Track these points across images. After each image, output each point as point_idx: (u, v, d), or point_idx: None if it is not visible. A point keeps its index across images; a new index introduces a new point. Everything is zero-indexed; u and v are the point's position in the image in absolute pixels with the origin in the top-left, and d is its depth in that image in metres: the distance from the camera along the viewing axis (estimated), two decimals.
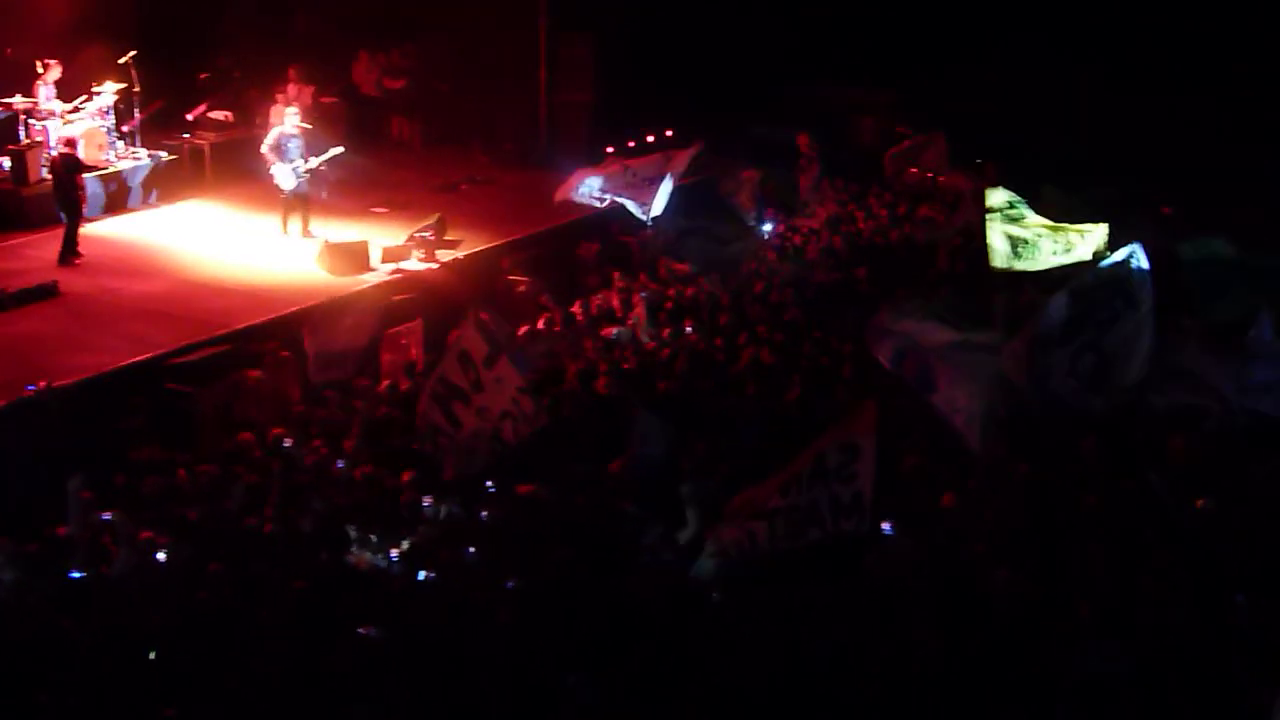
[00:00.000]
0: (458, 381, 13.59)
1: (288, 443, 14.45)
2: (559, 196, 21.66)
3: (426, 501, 12.82)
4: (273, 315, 18.41)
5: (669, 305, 18.87)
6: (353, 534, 11.98)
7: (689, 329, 17.88)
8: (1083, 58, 28.64)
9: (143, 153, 23.59)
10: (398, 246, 20.85)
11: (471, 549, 11.96)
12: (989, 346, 13.76)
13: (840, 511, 11.53)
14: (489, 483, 13.09)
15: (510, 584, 11.26)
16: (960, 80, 28.55)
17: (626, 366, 16.47)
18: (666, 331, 17.84)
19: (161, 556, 11.80)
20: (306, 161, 21.59)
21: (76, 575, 11.49)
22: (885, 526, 11.92)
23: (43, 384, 15.39)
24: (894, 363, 14.06)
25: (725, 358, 16.65)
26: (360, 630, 10.38)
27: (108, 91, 22.94)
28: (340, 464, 13.76)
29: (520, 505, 12.63)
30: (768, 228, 22.88)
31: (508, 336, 15.75)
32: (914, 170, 25.92)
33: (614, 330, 18.17)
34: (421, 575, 11.45)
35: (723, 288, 19.37)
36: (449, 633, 10.51)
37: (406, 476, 13.24)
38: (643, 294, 19.19)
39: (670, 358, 16.76)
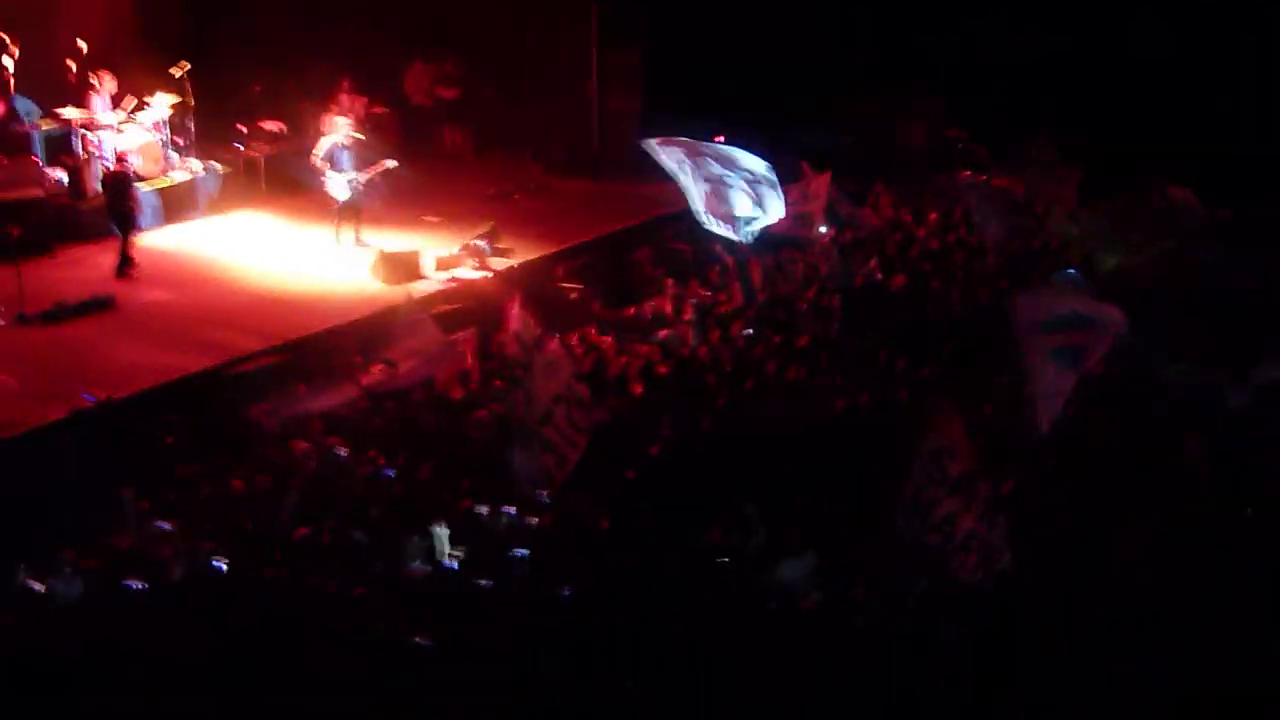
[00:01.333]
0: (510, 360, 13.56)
1: (342, 452, 14.51)
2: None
3: (483, 509, 12.85)
4: (328, 325, 18.47)
5: (720, 310, 18.86)
6: (408, 543, 12.01)
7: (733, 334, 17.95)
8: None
9: (197, 164, 23.70)
10: (451, 255, 20.90)
11: (526, 557, 12.00)
12: None
13: None
14: (544, 492, 13.08)
15: (565, 593, 11.28)
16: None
17: (663, 370, 16.52)
18: (716, 335, 17.88)
19: (219, 566, 11.87)
20: (359, 172, 21.67)
21: (134, 586, 11.52)
22: None
23: (101, 395, 15.49)
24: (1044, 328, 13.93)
25: (773, 363, 16.70)
26: (417, 640, 10.39)
27: (162, 104, 23.07)
28: (391, 473, 13.77)
29: (574, 514, 12.64)
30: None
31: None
32: (966, 173, 25.80)
33: (664, 333, 18.20)
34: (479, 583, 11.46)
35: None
36: (505, 642, 10.53)
37: (465, 484, 13.27)
38: (693, 300, 19.18)
39: (713, 362, 16.84)
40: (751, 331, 18.00)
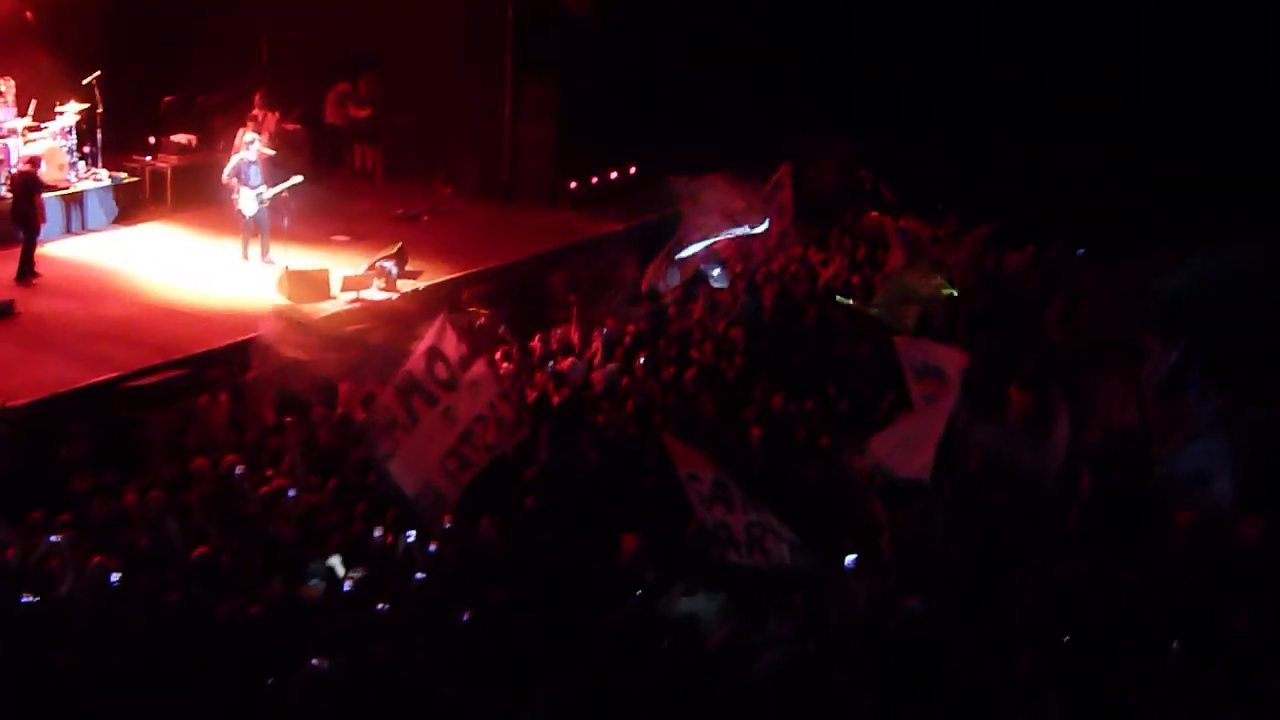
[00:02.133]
0: (422, 379, 13.47)
1: (239, 470, 14.40)
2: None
3: (377, 532, 12.80)
4: (230, 340, 18.32)
5: (627, 341, 18.91)
6: (305, 565, 11.94)
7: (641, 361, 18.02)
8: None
9: (104, 174, 23.47)
10: (358, 275, 20.81)
11: (422, 581, 11.97)
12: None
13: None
14: (441, 516, 13.05)
15: (463, 618, 11.26)
16: (921, 126, 28.71)
17: (556, 400, 16.56)
18: (609, 366, 17.96)
19: (111, 582, 11.73)
20: (268, 188, 21.56)
21: (25, 600, 11.36)
22: (848, 561, 12.04)
23: None
24: (916, 374, 14.17)
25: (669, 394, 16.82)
26: (312, 661, 10.32)
27: (70, 111, 22.84)
28: (292, 493, 13.68)
29: (473, 540, 12.62)
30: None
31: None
32: (874, 214, 26.04)
33: (568, 363, 18.23)
34: (376, 607, 11.41)
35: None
36: (399, 665, 10.48)
37: (360, 508, 13.20)
38: (603, 329, 19.23)
39: (606, 392, 16.92)
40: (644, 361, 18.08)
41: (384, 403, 13.65)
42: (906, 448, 13.57)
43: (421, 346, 13.59)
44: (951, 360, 13.97)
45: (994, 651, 10.90)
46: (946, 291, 19.25)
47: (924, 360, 14.15)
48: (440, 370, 13.32)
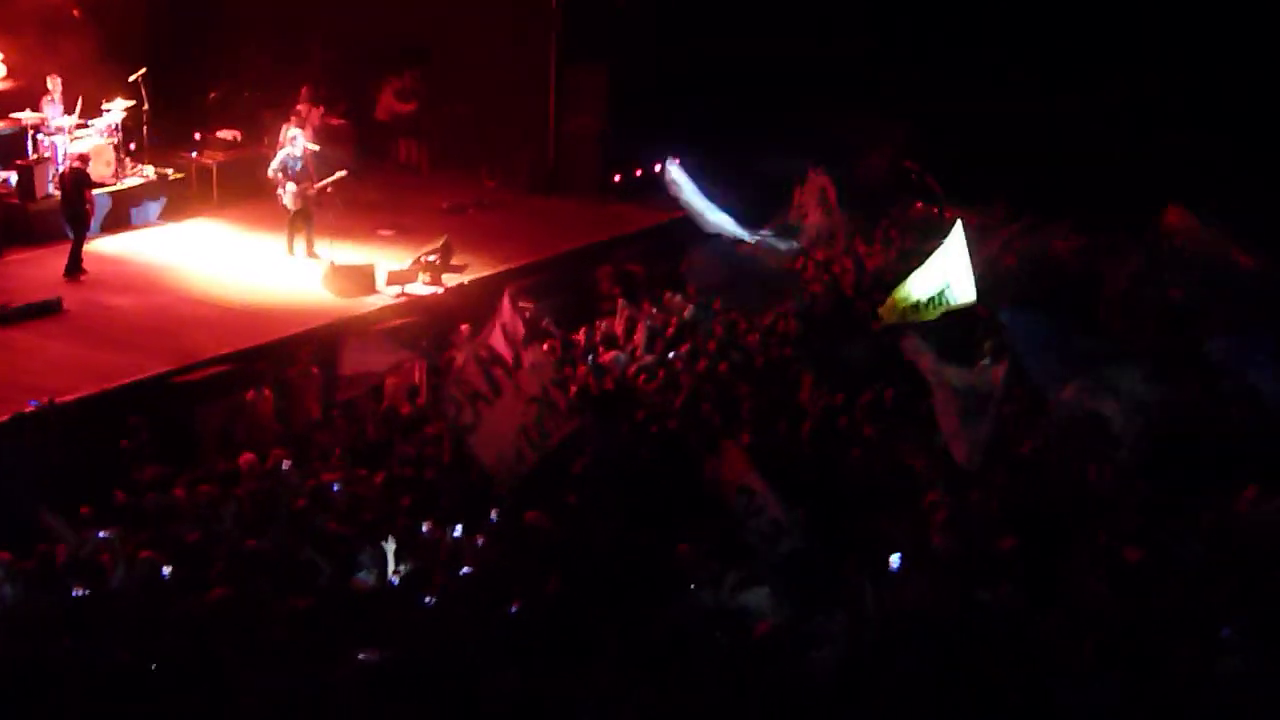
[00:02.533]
0: (502, 351, 13.50)
1: (286, 464, 14.41)
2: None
3: (426, 526, 12.78)
4: (277, 336, 18.34)
5: (670, 332, 18.84)
6: (355, 557, 11.93)
7: (671, 356, 17.93)
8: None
9: (150, 170, 23.55)
10: (403, 270, 20.78)
11: (470, 573, 11.94)
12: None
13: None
14: (492, 511, 13.02)
15: (513, 609, 11.21)
16: (974, 114, 28.54)
17: (597, 392, 16.51)
18: (648, 358, 17.89)
19: (161, 575, 11.74)
20: (314, 182, 21.58)
21: (77, 593, 11.38)
22: (894, 560, 11.94)
23: (45, 400, 15.34)
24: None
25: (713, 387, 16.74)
26: (360, 654, 10.29)
27: (117, 108, 22.92)
28: (336, 487, 13.67)
29: (521, 533, 12.58)
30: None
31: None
32: (920, 204, 25.88)
33: (611, 355, 18.17)
34: (423, 600, 11.39)
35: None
36: (449, 656, 10.46)
37: (406, 501, 13.19)
38: (646, 320, 19.16)
39: (647, 384, 16.87)
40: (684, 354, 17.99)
41: (466, 374, 13.59)
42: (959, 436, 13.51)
43: (496, 321, 13.63)
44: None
45: (1054, 638, 10.81)
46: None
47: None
48: (511, 349, 13.37)
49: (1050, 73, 28.95)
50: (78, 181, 20.63)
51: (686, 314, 19.70)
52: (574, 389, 16.18)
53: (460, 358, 14.13)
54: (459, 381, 13.59)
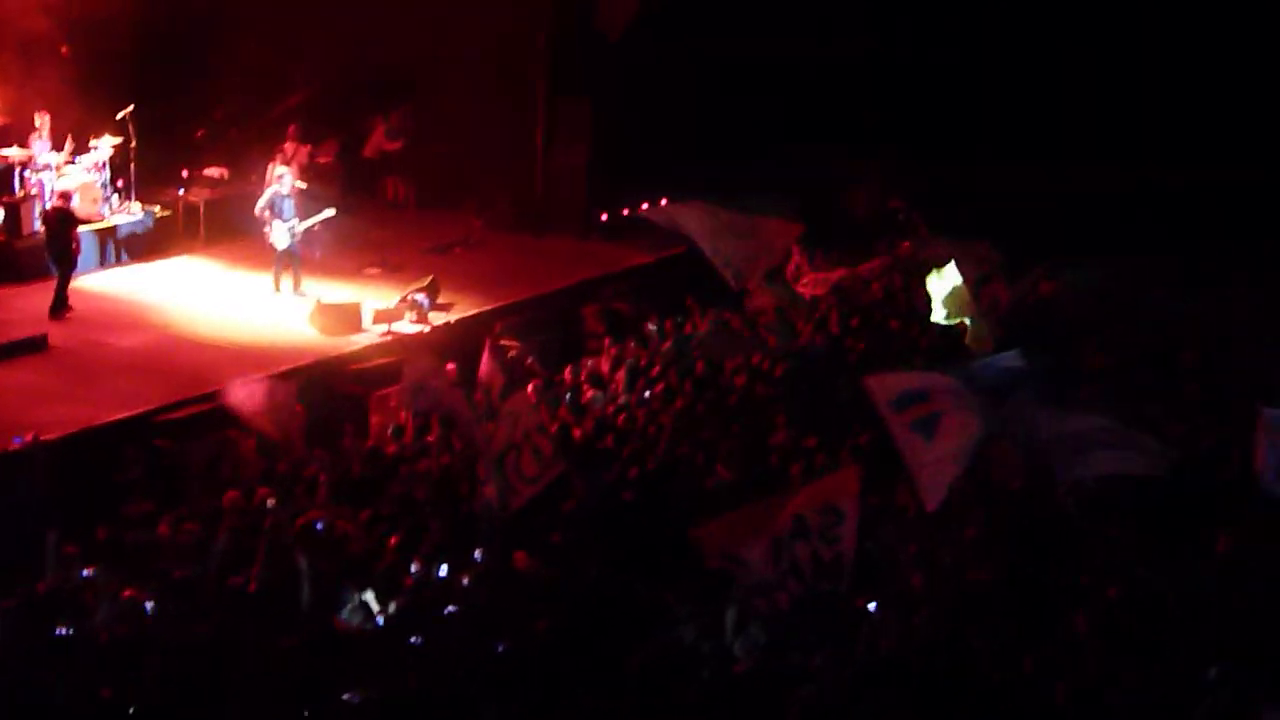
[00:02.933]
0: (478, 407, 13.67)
1: (271, 502, 14.39)
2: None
3: (414, 566, 12.76)
4: (263, 373, 18.32)
5: (654, 371, 18.83)
6: (340, 596, 11.91)
7: (647, 394, 17.92)
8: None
9: (137, 207, 23.57)
10: (390, 308, 20.80)
11: (455, 613, 11.93)
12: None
13: (820, 571, 11.59)
14: (477, 551, 13.01)
15: (500, 648, 11.22)
16: (954, 156, 28.66)
17: (577, 432, 16.50)
18: (627, 397, 17.88)
19: (144, 612, 11.72)
20: (300, 220, 21.60)
21: (61, 632, 11.35)
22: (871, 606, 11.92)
23: (29, 437, 15.31)
24: (897, 407, 13.99)
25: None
26: (345, 695, 10.28)
27: (104, 145, 22.95)
28: (320, 525, 13.64)
29: (507, 573, 12.58)
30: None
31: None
32: (907, 244, 25.94)
33: (591, 394, 18.18)
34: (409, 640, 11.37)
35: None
36: (436, 695, 10.45)
37: (394, 541, 13.17)
38: (628, 360, 19.16)
39: (627, 424, 16.87)
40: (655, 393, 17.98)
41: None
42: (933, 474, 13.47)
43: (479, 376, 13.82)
44: (935, 380, 13.89)
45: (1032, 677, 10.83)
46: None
47: (904, 390, 13.99)
48: (484, 401, 13.51)
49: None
50: (63, 219, 20.61)
51: (665, 349, 19.67)
52: (554, 427, 16.19)
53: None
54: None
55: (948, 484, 13.15)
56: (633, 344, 20.20)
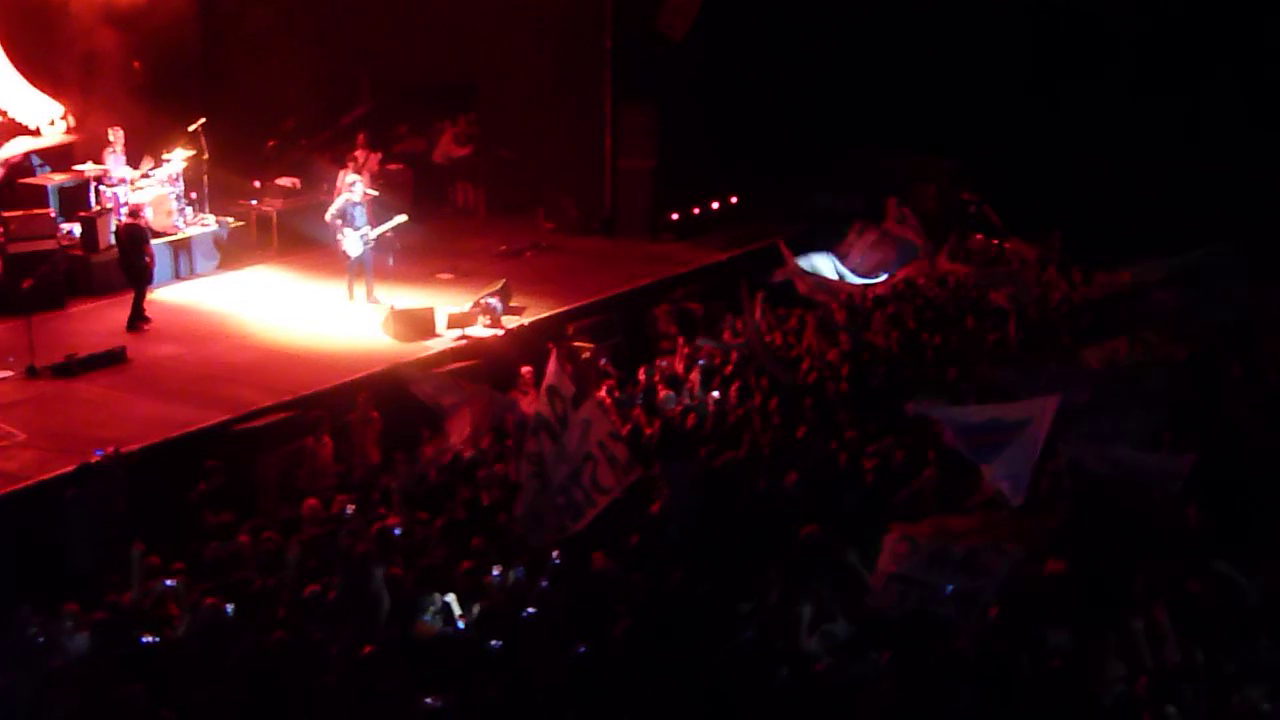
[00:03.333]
0: (548, 416, 13.56)
1: (349, 509, 14.47)
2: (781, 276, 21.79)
3: (495, 571, 12.78)
4: (338, 381, 18.44)
5: (728, 370, 18.77)
6: (419, 601, 11.94)
7: (717, 394, 17.86)
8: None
9: (210, 219, 23.78)
10: (463, 313, 20.88)
11: (535, 616, 11.93)
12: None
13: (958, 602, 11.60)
14: (555, 554, 13.01)
15: (580, 650, 11.20)
16: (1023, 149, 28.50)
17: (649, 431, 16.48)
18: (703, 397, 17.82)
19: (224, 621, 11.80)
20: (372, 228, 21.71)
21: (146, 641, 11.45)
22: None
23: (110, 450, 15.46)
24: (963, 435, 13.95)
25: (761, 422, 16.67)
26: (426, 700, 10.30)
27: (177, 158, 23.16)
28: (397, 531, 13.69)
29: (586, 576, 12.57)
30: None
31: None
32: (979, 236, 25.83)
33: (664, 394, 18.15)
34: (489, 644, 11.38)
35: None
36: (513, 701, 10.45)
37: (476, 542, 13.20)
38: (701, 360, 19.12)
39: (697, 423, 16.80)
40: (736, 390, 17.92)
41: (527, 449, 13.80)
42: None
43: (544, 384, 13.73)
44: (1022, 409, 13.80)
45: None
46: None
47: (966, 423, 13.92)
48: (558, 406, 13.41)
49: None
50: (133, 236, 20.79)
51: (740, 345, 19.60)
52: (627, 428, 16.18)
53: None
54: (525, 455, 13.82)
55: (1022, 477, 13.12)
56: (703, 342, 20.12)
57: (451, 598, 12.05)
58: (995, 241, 25.52)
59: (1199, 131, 27.76)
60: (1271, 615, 11.76)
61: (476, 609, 11.99)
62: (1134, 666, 10.88)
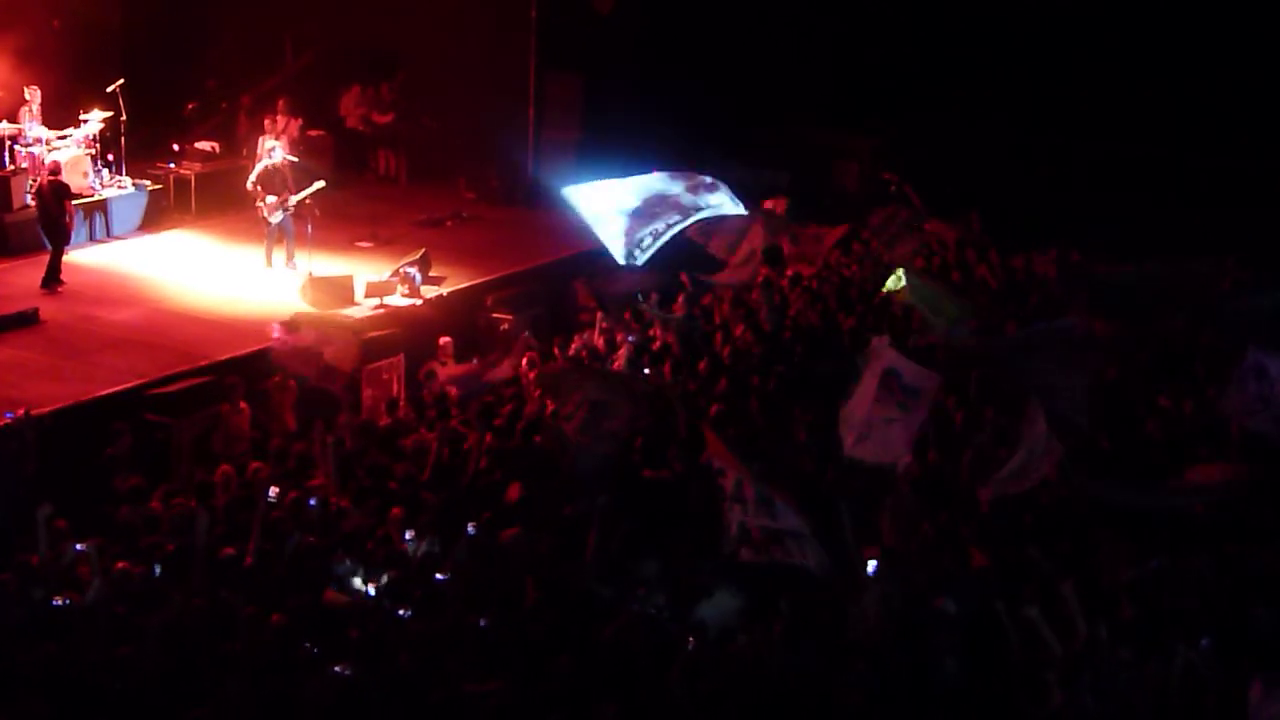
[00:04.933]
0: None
1: (263, 477, 14.38)
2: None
3: (407, 536, 12.77)
4: (255, 347, 18.33)
5: (654, 347, 18.78)
6: (330, 569, 11.93)
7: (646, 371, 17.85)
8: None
9: (128, 181, 23.54)
10: (381, 281, 20.80)
11: (445, 586, 11.95)
12: None
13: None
14: (470, 525, 13.02)
15: (482, 623, 11.24)
16: (940, 127, 28.59)
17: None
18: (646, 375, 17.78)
19: (136, 586, 11.74)
20: (292, 194, 21.58)
21: (57, 603, 11.37)
22: (871, 565, 11.91)
23: (20, 411, 15.31)
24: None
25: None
26: (335, 667, 10.30)
27: (94, 119, 22.90)
28: (312, 501, 13.64)
29: (496, 547, 12.60)
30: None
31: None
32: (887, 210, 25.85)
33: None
34: (398, 613, 11.39)
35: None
36: (421, 670, 10.47)
37: (397, 512, 13.18)
38: (630, 337, 19.05)
39: None
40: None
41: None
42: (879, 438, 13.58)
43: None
44: (928, 378, 13.97)
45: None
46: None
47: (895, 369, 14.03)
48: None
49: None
50: (57, 192, 20.58)
51: (672, 326, 19.55)
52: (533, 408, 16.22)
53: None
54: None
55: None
56: (629, 317, 20.05)
57: (359, 566, 12.05)
58: (914, 222, 25.56)
59: (1134, 114, 27.90)
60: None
61: (385, 578, 11.98)
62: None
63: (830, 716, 10.35)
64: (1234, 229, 21.74)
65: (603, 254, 20.91)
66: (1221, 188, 25.84)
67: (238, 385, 16.90)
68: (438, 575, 12.19)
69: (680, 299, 20.29)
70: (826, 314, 20.14)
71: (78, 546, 12.31)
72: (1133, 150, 27.25)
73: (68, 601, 11.46)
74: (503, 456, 14.79)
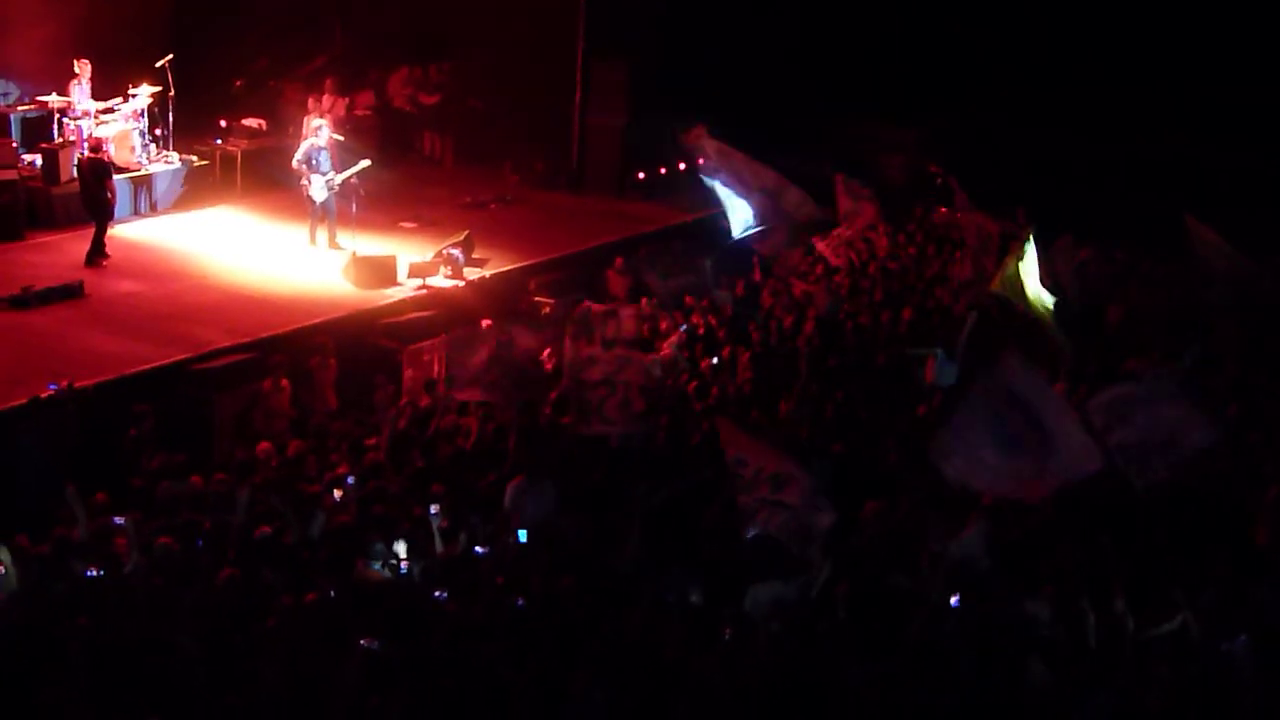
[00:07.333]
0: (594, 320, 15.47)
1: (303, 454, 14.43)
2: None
3: (434, 510, 12.76)
4: (297, 325, 18.37)
5: (701, 332, 18.74)
6: (366, 548, 11.93)
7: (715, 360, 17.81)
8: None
9: (174, 157, 23.61)
10: (425, 262, 20.81)
11: (483, 570, 11.95)
12: None
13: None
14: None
15: (520, 603, 11.23)
16: (989, 122, 28.48)
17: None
18: (705, 363, 17.74)
19: (173, 560, 11.76)
20: (337, 173, 21.60)
21: (92, 575, 11.40)
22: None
23: (64, 384, 15.37)
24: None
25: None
26: (363, 642, 10.29)
27: (143, 94, 22.96)
28: (351, 479, 13.65)
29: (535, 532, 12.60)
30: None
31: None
32: (943, 210, 25.78)
33: (649, 359, 18.03)
34: (433, 593, 11.39)
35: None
36: (454, 649, 10.47)
37: (438, 489, 13.19)
38: (683, 326, 18.94)
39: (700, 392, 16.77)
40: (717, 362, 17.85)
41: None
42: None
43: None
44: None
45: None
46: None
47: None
48: (610, 328, 13.78)
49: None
50: (96, 170, 20.62)
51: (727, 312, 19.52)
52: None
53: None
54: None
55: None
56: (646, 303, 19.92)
57: (400, 546, 12.04)
58: (959, 215, 25.45)
59: (1177, 116, 27.78)
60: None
61: (418, 560, 11.99)
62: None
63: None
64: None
65: (647, 240, 20.97)
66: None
67: (281, 363, 16.95)
68: (476, 556, 12.19)
69: (740, 285, 20.34)
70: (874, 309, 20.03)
71: (116, 520, 12.35)
72: (1165, 152, 27.14)
73: (103, 574, 11.50)
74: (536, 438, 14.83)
